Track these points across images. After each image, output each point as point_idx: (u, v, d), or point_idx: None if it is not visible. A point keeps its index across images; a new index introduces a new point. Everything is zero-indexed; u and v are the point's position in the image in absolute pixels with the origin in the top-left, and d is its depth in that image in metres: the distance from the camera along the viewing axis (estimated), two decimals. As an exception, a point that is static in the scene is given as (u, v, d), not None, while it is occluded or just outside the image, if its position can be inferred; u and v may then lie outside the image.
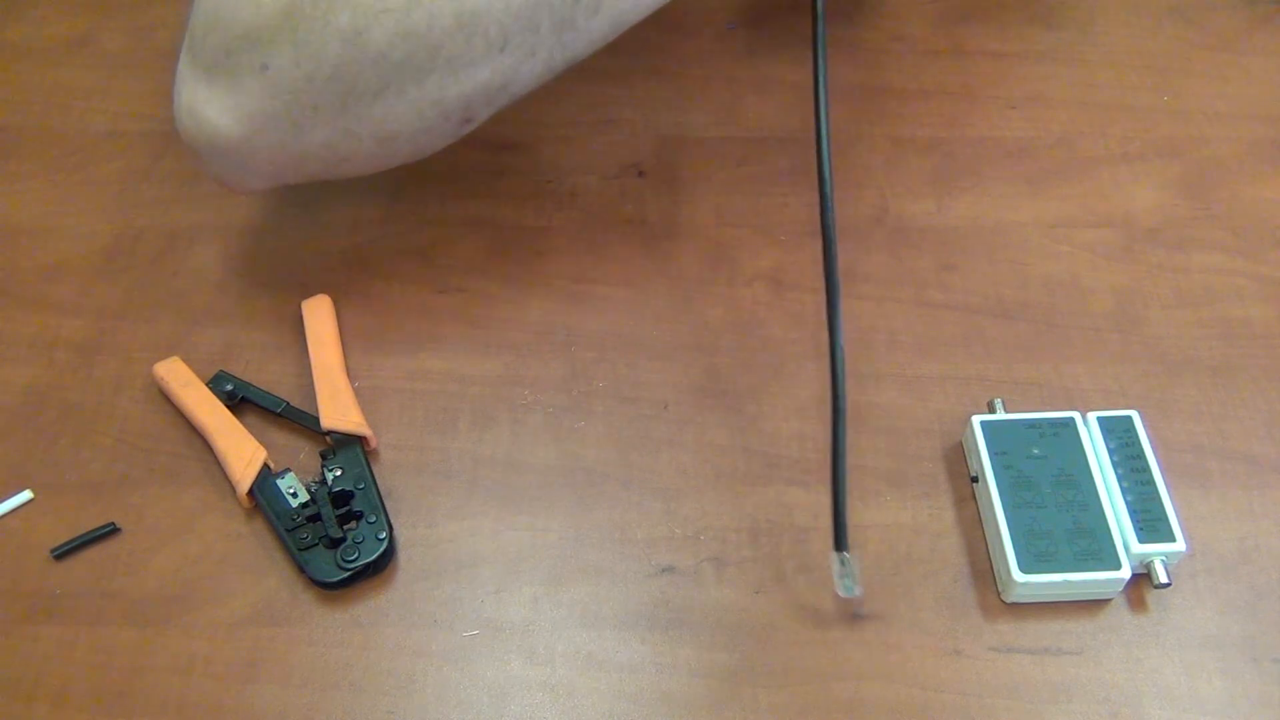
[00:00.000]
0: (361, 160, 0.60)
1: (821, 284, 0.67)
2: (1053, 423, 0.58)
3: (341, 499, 0.58)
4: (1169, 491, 0.55)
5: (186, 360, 0.63)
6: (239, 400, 0.62)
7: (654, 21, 0.83)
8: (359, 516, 0.57)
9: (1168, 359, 0.64)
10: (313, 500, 0.57)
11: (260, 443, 0.59)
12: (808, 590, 0.55)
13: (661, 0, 0.57)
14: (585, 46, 0.59)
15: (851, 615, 0.55)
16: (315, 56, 0.55)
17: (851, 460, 0.60)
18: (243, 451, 0.59)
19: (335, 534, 0.56)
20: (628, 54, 0.81)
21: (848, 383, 0.63)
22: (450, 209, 0.71)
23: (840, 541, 0.53)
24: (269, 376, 0.63)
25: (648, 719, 0.52)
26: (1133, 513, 0.55)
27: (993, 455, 0.57)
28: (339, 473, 0.58)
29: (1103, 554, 0.53)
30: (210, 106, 0.57)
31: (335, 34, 0.54)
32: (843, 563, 0.53)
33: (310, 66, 0.55)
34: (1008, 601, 0.55)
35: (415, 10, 0.54)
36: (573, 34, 0.58)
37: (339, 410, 0.60)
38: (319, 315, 0.65)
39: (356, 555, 0.55)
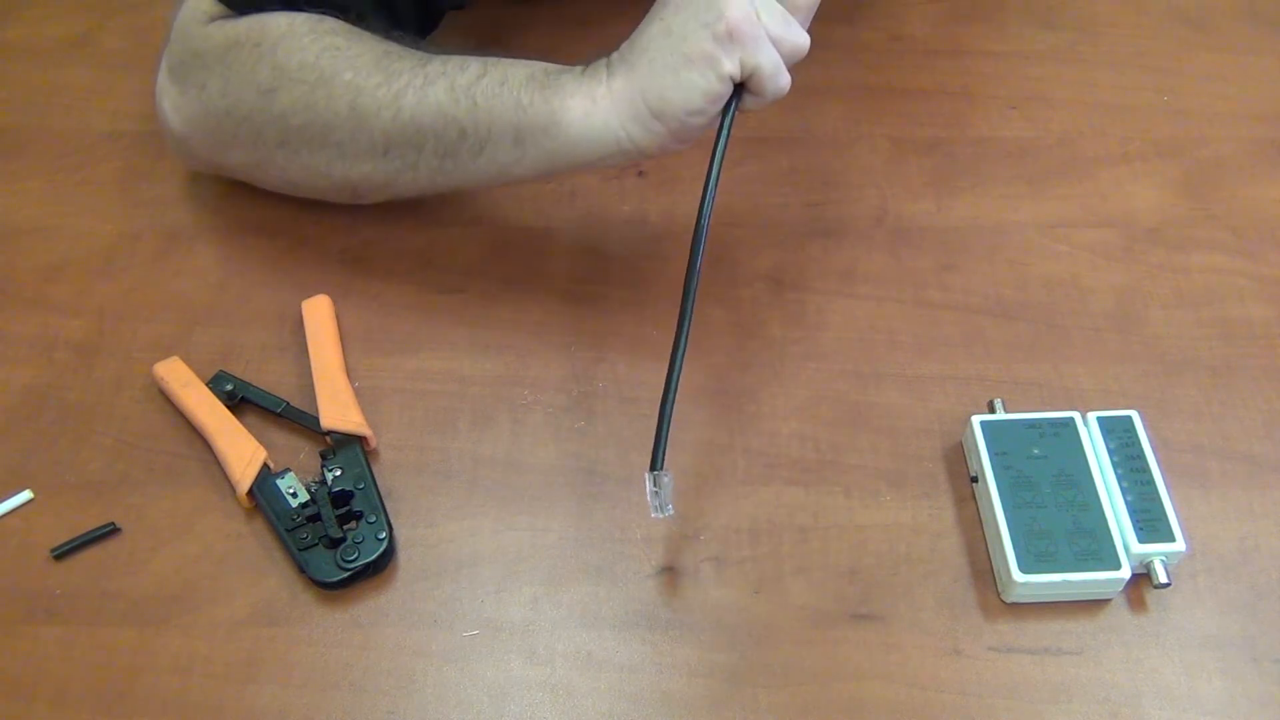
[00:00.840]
0: (274, 186, 0.68)
1: (822, 284, 0.67)
2: (1053, 423, 0.58)
3: (341, 499, 0.58)
4: (1169, 491, 0.55)
5: (186, 360, 0.63)
6: (239, 400, 0.62)
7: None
8: (359, 516, 0.57)
9: (1168, 359, 0.64)
10: (313, 500, 0.57)
11: (260, 443, 0.59)
12: (808, 590, 0.55)
13: (549, 165, 0.60)
14: (469, 179, 0.62)
15: (851, 615, 0.55)
16: (236, 95, 0.63)
17: (851, 460, 0.60)
18: (243, 451, 0.59)
19: (335, 534, 0.56)
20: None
21: (846, 381, 0.63)
22: (450, 209, 0.71)
23: (656, 462, 0.54)
24: (269, 376, 0.63)
25: (647, 719, 0.52)
26: (1132, 513, 0.55)
27: (993, 455, 0.57)
28: (339, 473, 0.58)
29: (1102, 554, 0.53)
30: (167, 99, 0.66)
31: (254, 83, 0.62)
32: (655, 483, 0.54)
33: (231, 101, 0.63)
34: (1008, 601, 0.55)
35: (319, 90, 0.61)
36: (455, 163, 0.61)
37: (339, 410, 0.60)
38: (319, 315, 0.65)
39: (356, 555, 0.55)
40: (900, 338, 0.65)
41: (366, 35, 0.63)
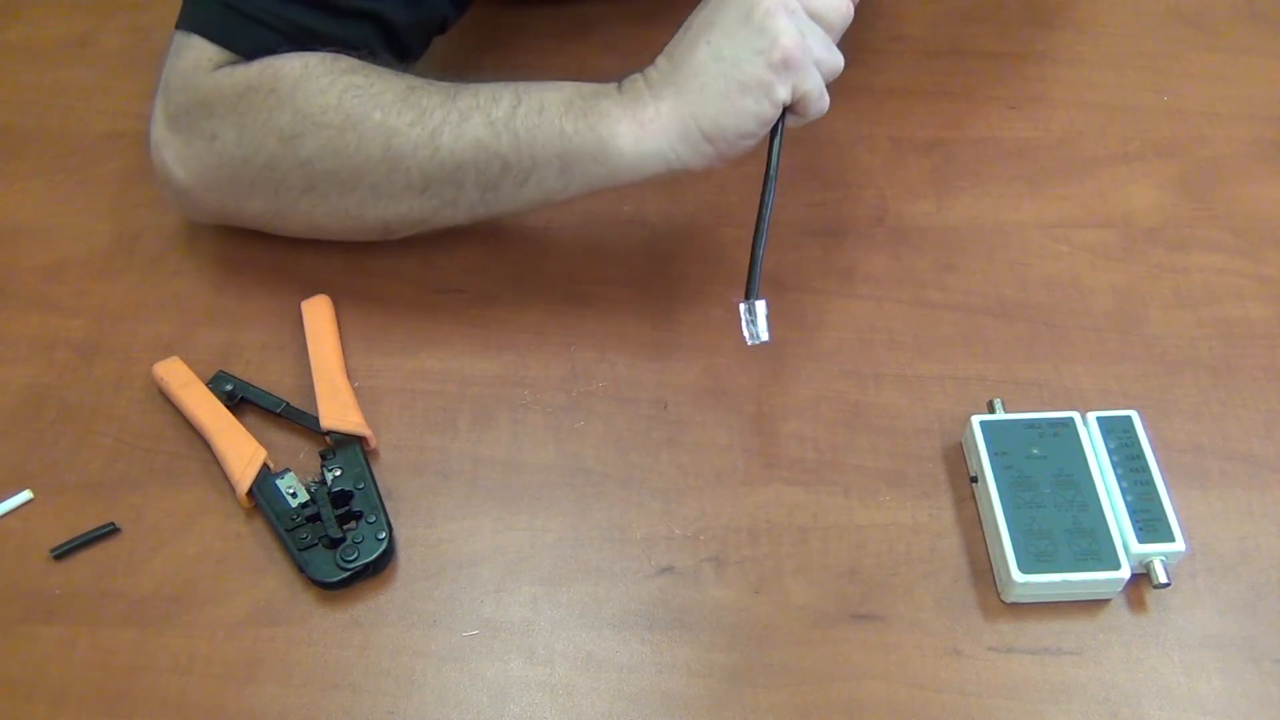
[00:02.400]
0: (296, 233, 0.66)
1: (822, 284, 0.67)
2: (1052, 423, 0.58)
3: (341, 499, 0.58)
4: (1168, 491, 0.55)
5: (186, 360, 0.63)
6: (239, 400, 0.62)
7: (653, 22, 0.83)
8: (358, 516, 0.57)
9: (1167, 359, 0.64)
10: (312, 500, 0.57)
11: (260, 443, 0.59)
12: (807, 590, 0.55)
13: (594, 187, 0.60)
14: (512, 207, 0.62)
15: (851, 615, 0.55)
16: (254, 143, 0.60)
17: (851, 460, 0.60)
18: (242, 451, 0.59)
19: (335, 534, 0.56)
20: (627, 54, 0.80)
21: (845, 381, 0.63)
22: (450, 209, 0.71)
23: (751, 292, 0.57)
24: (269, 376, 0.63)
25: (647, 719, 0.52)
26: (1132, 513, 0.55)
27: (992, 455, 0.57)
28: (338, 473, 0.58)
29: (1102, 554, 0.53)
30: (168, 152, 0.63)
31: (274, 129, 0.60)
32: (751, 310, 0.57)
33: (249, 150, 0.61)
34: (1007, 601, 0.55)
35: (348, 133, 0.59)
36: (496, 195, 0.61)
37: (338, 410, 0.60)
38: (319, 315, 0.65)
39: (356, 555, 0.55)
40: (900, 338, 0.65)
41: (385, 71, 0.61)
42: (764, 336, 0.57)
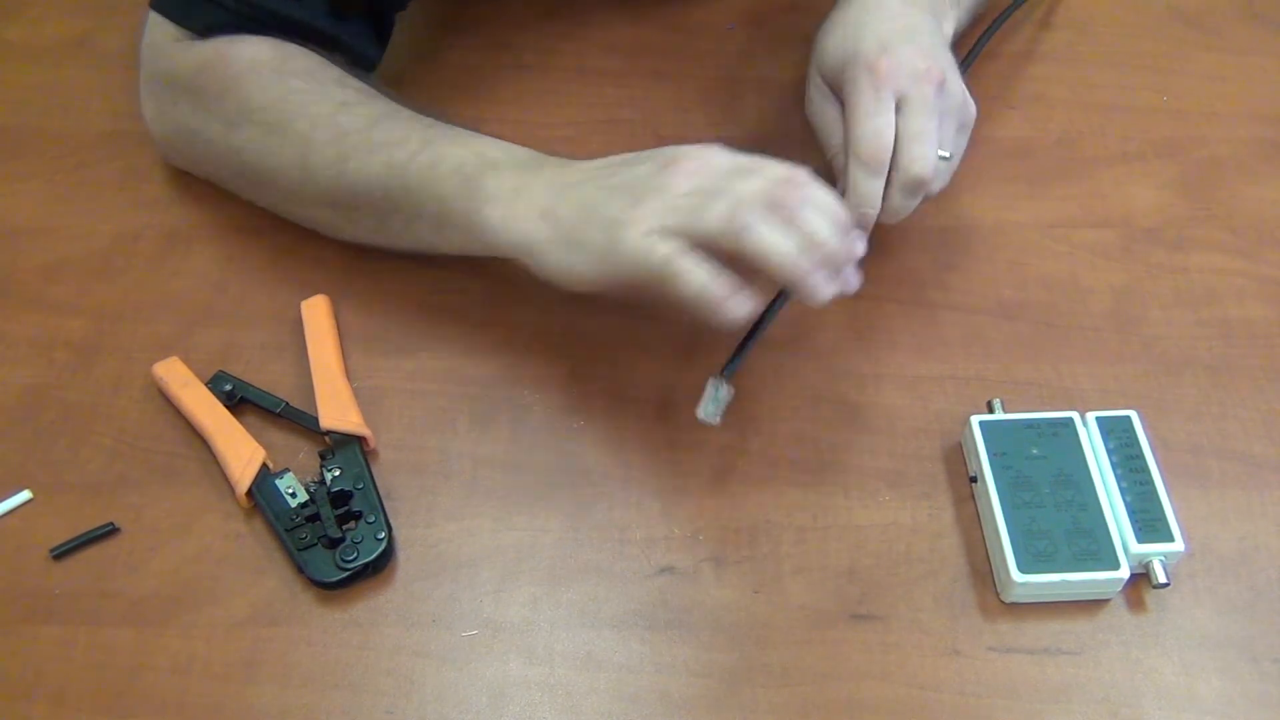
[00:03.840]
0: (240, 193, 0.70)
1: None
2: (1051, 423, 0.58)
3: (340, 499, 0.58)
4: (1168, 491, 0.55)
5: (185, 360, 0.63)
6: (238, 400, 0.62)
7: (653, 22, 0.83)
8: (358, 516, 0.57)
9: (1167, 359, 0.64)
10: (311, 500, 0.57)
11: (259, 443, 0.59)
12: (807, 590, 0.55)
13: (471, 251, 0.61)
14: (407, 245, 0.64)
15: (850, 615, 0.55)
16: (203, 120, 0.66)
17: (850, 460, 0.60)
18: (241, 451, 0.59)
19: (334, 534, 0.56)
20: (627, 54, 0.81)
21: (845, 382, 0.63)
22: (450, 209, 0.71)
23: (727, 371, 0.57)
24: (268, 377, 0.63)
25: (646, 719, 0.52)
26: (1131, 513, 0.55)
27: (991, 455, 0.57)
28: (338, 473, 0.58)
29: (1101, 554, 0.53)
30: (146, 108, 0.69)
31: (219, 113, 0.65)
32: (716, 389, 0.57)
33: (199, 125, 0.66)
34: (1007, 601, 0.55)
35: (273, 136, 0.63)
36: (385, 232, 0.64)
37: (338, 410, 0.60)
38: (318, 315, 0.65)
39: (355, 555, 0.55)
40: (900, 338, 0.65)
41: (329, 79, 0.64)
42: (715, 421, 0.57)
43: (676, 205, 0.53)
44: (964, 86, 0.62)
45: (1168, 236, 0.70)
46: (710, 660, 0.53)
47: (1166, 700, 0.52)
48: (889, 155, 0.58)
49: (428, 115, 0.63)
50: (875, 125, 0.58)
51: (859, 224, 0.58)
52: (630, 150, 0.74)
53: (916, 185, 0.59)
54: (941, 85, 0.59)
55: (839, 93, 0.62)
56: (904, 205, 0.60)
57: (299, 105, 0.62)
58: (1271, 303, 0.66)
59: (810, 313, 0.65)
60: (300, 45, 0.65)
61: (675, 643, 0.54)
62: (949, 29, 0.67)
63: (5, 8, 0.85)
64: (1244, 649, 0.54)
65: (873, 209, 0.59)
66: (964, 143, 0.63)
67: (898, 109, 0.59)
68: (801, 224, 0.53)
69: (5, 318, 0.66)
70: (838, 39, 0.63)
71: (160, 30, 0.66)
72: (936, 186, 0.60)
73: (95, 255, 0.69)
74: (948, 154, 0.61)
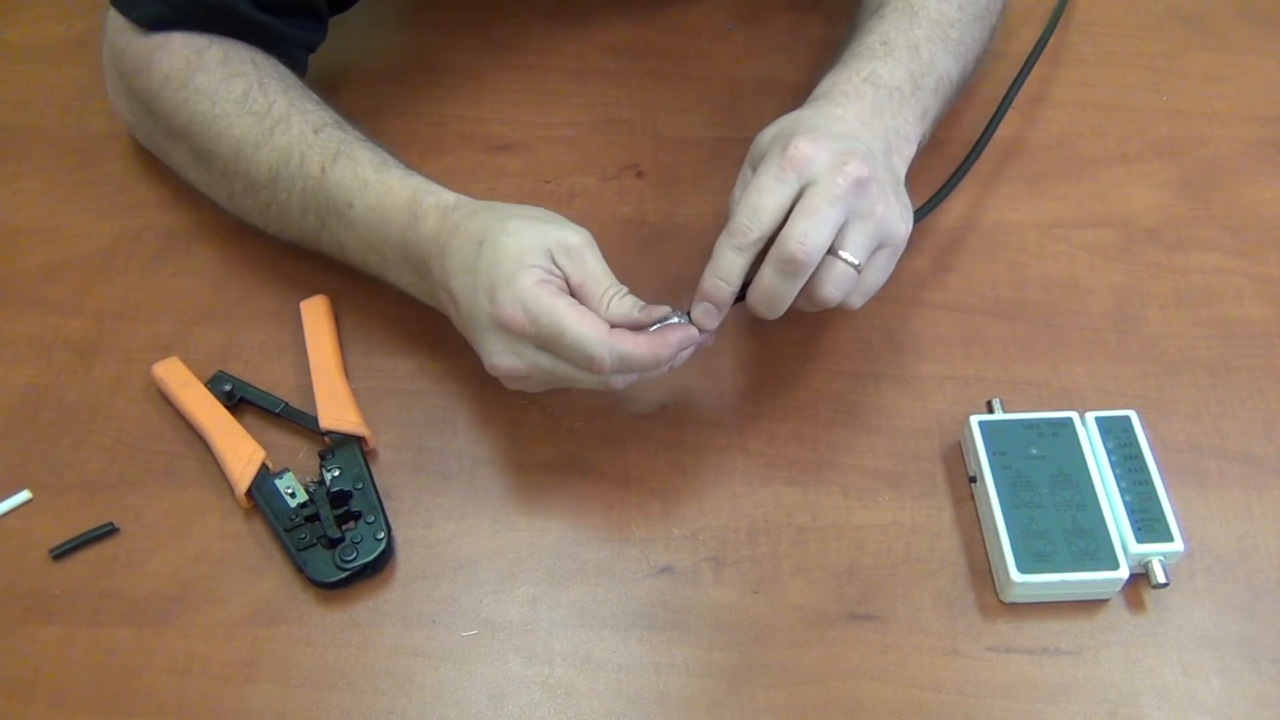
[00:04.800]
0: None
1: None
2: (1051, 423, 0.58)
3: (340, 499, 0.58)
4: (1167, 491, 0.55)
5: (185, 360, 0.63)
6: (237, 400, 0.62)
7: (653, 22, 0.83)
8: (357, 516, 0.57)
9: (1166, 359, 0.64)
10: (311, 500, 0.57)
11: (259, 443, 0.59)
12: (806, 590, 0.56)
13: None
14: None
15: (850, 615, 0.55)
16: (151, 117, 0.68)
17: (850, 460, 0.60)
18: (241, 452, 0.59)
19: (334, 534, 0.56)
20: (627, 55, 0.81)
21: (844, 382, 0.63)
22: (449, 209, 0.71)
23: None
24: (267, 377, 0.63)
25: (646, 719, 0.52)
26: (1131, 513, 0.55)
27: (991, 455, 0.57)
28: (337, 473, 0.58)
29: (1101, 554, 0.53)
30: (110, 91, 0.71)
31: (161, 112, 0.66)
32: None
33: (150, 119, 0.68)
34: (1006, 601, 0.55)
35: (200, 163, 0.66)
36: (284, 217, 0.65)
37: (337, 410, 0.60)
38: (317, 316, 0.65)
39: (355, 555, 0.55)
40: (899, 338, 0.65)
41: (231, 99, 0.63)
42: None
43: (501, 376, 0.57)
44: (901, 205, 0.57)
45: (1167, 236, 0.70)
46: (710, 660, 0.53)
47: (1166, 700, 0.52)
48: (762, 234, 0.53)
49: (323, 129, 0.63)
50: (759, 200, 0.53)
51: (711, 298, 0.54)
52: (631, 150, 0.74)
53: (790, 265, 0.52)
54: (860, 185, 0.53)
55: None
56: (777, 288, 0.53)
57: (210, 138, 0.64)
58: (1271, 303, 0.66)
59: (810, 313, 0.66)
60: (224, 43, 0.65)
61: (674, 643, 0.54)
62: (907, 153, 0.62)
63: (5, 8, 0.85)
64: (1243, 649, 0.54)
65: (728, 284, 0.54)
66: (885, 264, 0.57)
67: (800, 194, 0.53)
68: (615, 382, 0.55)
69: (5, 318, 0.66)
70: (775, 128, 0.58)
71: (112, 22, 0.67)
72: (853, 300, 0.56)
73: (95, 255, 0.69)
74: (856, 261, 0.54)
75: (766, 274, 0.53)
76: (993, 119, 0.68)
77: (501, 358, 0.54)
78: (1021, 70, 0.72)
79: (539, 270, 0.53)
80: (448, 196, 0.59)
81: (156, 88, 0.65)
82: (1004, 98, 0.70)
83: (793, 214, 0.53)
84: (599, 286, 0.54)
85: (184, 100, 0.64)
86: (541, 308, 0.52)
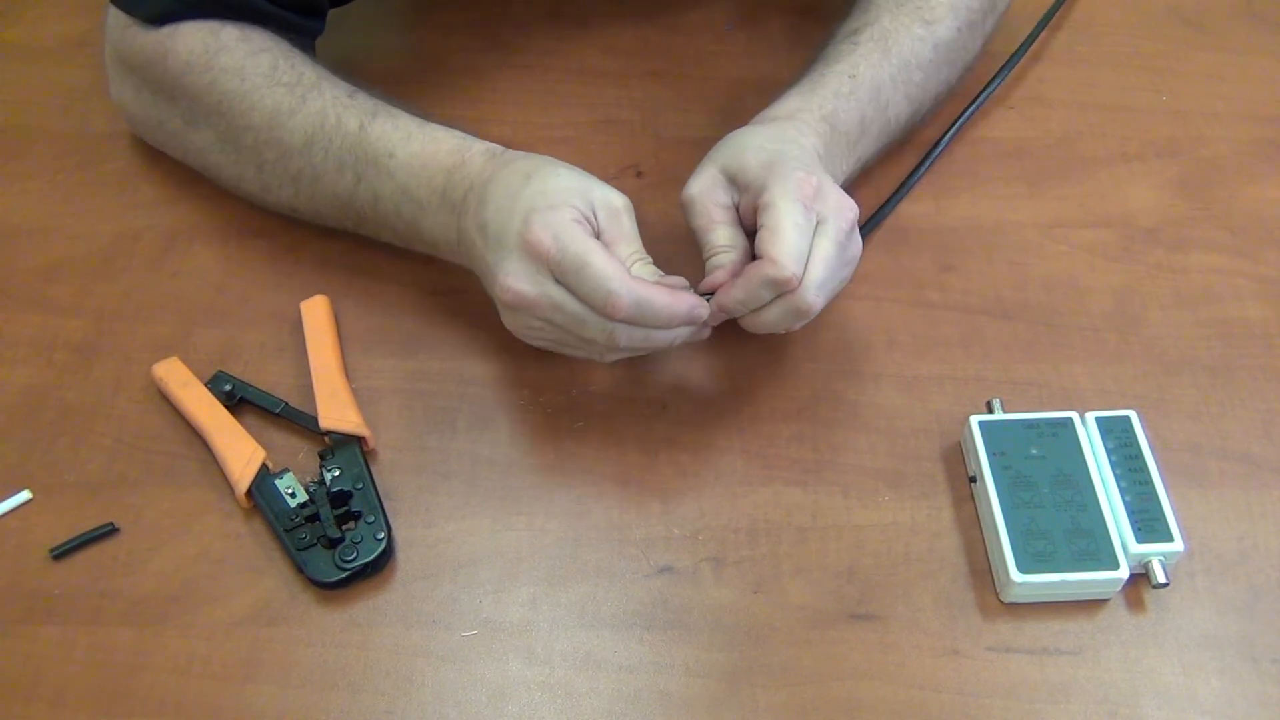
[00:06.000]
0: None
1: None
2: (1051, 423, 0.58)
3: (340, 499, 0.58)
4: (1167, 491, 0.55)
5: (185, 361, 0.63)
6: (238, 400, 0.62)
7: (653, 22, 0.83)
8: (357, 516, 0.57)
9: (1166, 359, 0.64)
10: (311, 500, 0.57)
11: (259, 443, 0.59)
12: (806, 590, 0.56)
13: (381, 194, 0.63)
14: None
15: (850, 615, 0.55)
16: (163, 113, 0.68)
17: (850, 460, 0.60)
18: (241, 452, 0.59)
19: (334, 534, 0.56)
20: (627, 55, 0.81)
21: (844, 382, 0.63)
22: (449, 209, 0.71)
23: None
24: (268, 377, 0.63)
25: (646, 719, 0.52)
26: (1131, 513, 0.55)
27: (991, 455, 0.57)
28: (337, 473, 0.58)
29: (1101, 554, 0.53)
30: (114, 88, 0.71)
31: (172, 108, 0.67)
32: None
33: (161, 115, 0.69)
34: (1006, 601, 0.55)
35: (228, 144, 0.66)
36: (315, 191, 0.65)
37: (337, 410, 0.60)
38: (317, 316, 0.65)
39: (355, 555, 0.55)
40: (899, 338, 0.65)
41: (259, 73, 0.64)
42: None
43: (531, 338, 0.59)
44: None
45: (1167, 236, 0.70)
46: (710, 660, 0.54)
47: (1166, 700, 0.52)
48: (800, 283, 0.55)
49: (357, 93, 0.64)
50: (802, 246, 0.54)
51: (726, 311, 0.57)
52: (631, 150, 0.75)
53: (803, 314, 0.56)
54: (853, 228, 0.57)
55: (744, 189, 0.58)
56: (778, 325, 0.57)
57: (241, 113, 0.64)
58: (1270, 303, 0.66)
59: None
60: (237, 25, 0.65)
61: (674, 643, 0.54)
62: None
63: (5, 8, 0.85)
64: (1243, 649, 0.54)
65: (747, 310, 0.56)
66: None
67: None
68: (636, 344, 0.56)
69: (5, 318, 0.66)
70: (761, 153, 0.58)
71: (113, 19, 0.67)
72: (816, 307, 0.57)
73: (95, 255, 0.69)
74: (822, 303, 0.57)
75: (774, 312, 0.56)
76: (956, 120, 0.73)
77: (516, 279, 0.55)
78: (998, 73, 0.75)
79: (578, 211, 0.55)
80: (496, 146, 0.61)
81: (178, 74, 0.65)
82: (976, 96, 0.74)
83: (811, 261, 0.55)
84: (628, 248, 0.57)
85: (211, 82, 0.64)
86: (572, 239, 0.54)
